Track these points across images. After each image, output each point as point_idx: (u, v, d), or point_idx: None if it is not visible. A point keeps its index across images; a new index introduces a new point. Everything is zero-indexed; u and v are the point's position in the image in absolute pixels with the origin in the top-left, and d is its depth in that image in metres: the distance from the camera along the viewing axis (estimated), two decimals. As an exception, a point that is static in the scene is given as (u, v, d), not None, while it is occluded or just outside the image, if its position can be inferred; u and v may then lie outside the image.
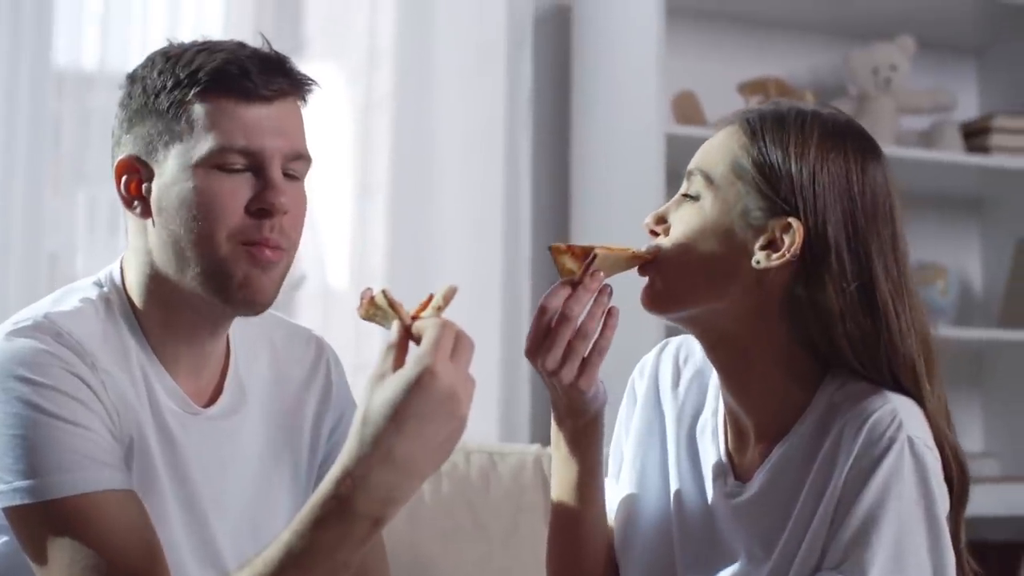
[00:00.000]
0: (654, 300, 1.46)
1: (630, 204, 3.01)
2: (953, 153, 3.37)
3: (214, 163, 1.43)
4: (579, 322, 1.43)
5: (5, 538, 1.42)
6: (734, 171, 1.42)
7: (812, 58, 3.50)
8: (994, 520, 3.33)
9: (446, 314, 1.27)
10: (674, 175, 2.95)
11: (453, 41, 3.13)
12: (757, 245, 1.40)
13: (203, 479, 1.50)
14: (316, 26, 3.20)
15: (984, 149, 3.39)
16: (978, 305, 3.66)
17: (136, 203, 1.48)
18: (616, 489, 1.60)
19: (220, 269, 1.44)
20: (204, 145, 1.43)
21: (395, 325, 1.27)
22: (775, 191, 1.40)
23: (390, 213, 3.09)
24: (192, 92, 1.44)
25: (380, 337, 3.07)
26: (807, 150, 1.40)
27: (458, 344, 1.23)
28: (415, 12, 3.10)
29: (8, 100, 2.77)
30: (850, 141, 1.43)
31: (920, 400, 1.39)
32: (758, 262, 1.40)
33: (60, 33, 2.85)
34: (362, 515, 1.21)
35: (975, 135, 3.43)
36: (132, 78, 1.50)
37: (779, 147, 1.41)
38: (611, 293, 1.45)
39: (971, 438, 3.56)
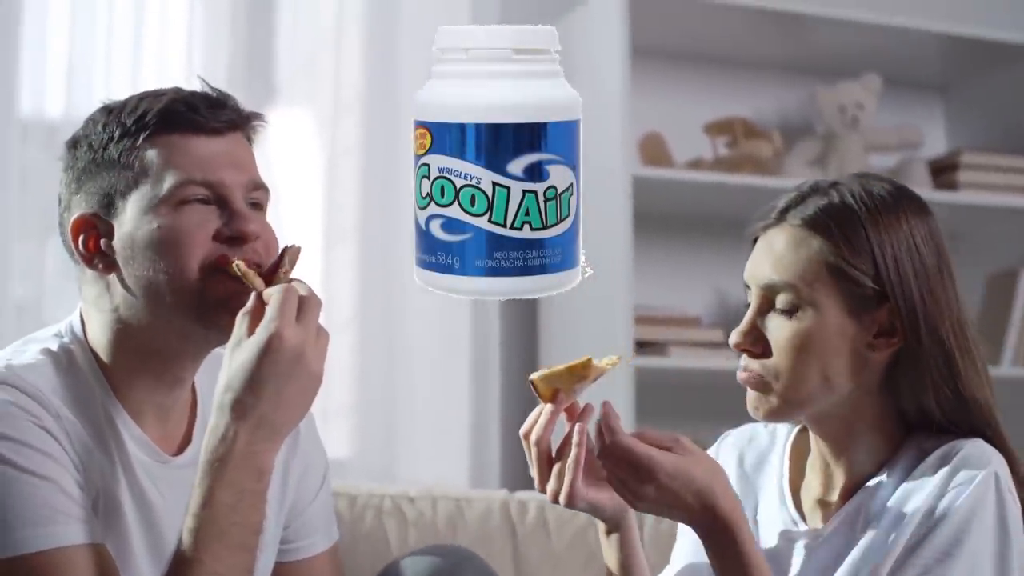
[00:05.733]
0: (769, 415, 1.51)
1: (598, 246, 2.97)
2: (922, 190, 3.33)
3: (177, 199, 1.43)
4: (544, 445, 1.46)
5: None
6: (830, 275, 1.46)
7: (778, 97, 3.52)
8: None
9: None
10: (641, 217, 2.96)
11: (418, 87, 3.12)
12: (872, 335, 1.46)
13: (173, 528, 1.47)
14: (287, 74, 3.19)
15: (952, 185, 3.41)
16: (951, 341, 3.66)
17: (96, 260, 1.47)
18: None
19: (197, 295, 1.42)
20: (164, 184, 1.43)
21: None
22: (874, 282, 1.45)
23: (359, 261, 3.08)
24: (143, 136, 1.44)
25: (348, 378, 3.06)
26: (882, 234, 1.46)
27: (304, 305, 1.34)
28: (380, 62, 3.11)
29: (-26, 150, 2.76)
30: (905, 207, 1.49)
31: (1000, 444, 1.46)
32: (873, 349, 1.46)
33: (24, 83, 2.85)
34: (245, 468, 1.33)
35: (943, 172, 3.45)
36: (74, 142, 1.50)
37: (860, 240, 1.45)
38: (582, 409, 1.48)
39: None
